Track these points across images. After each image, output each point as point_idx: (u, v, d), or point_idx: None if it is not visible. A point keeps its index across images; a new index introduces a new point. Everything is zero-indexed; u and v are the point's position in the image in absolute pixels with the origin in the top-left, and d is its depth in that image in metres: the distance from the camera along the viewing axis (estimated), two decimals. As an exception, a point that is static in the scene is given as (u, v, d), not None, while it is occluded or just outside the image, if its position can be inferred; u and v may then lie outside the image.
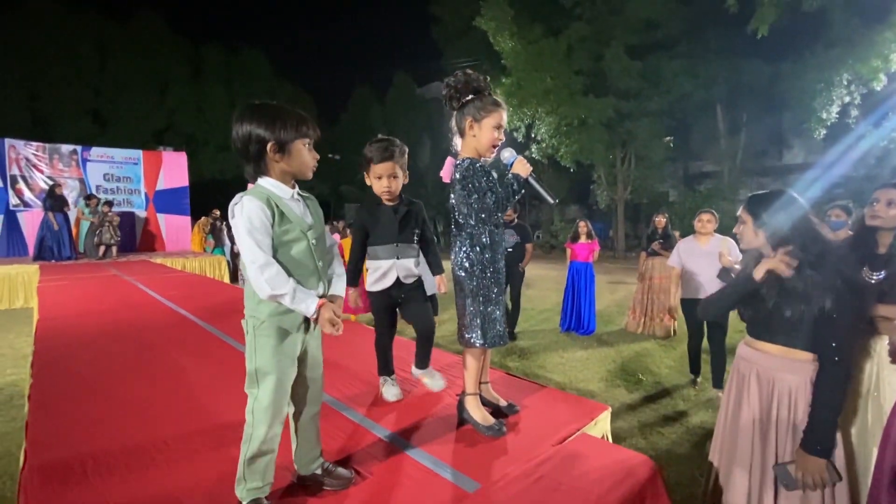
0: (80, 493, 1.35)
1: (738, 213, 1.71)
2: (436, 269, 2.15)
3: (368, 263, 2.03)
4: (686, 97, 15.51)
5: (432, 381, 2.10)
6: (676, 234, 6.18)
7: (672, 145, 17.29)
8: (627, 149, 17.22)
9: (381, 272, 1.99)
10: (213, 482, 1.40)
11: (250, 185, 1.29)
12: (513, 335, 5.58)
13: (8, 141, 10.38)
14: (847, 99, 12.34)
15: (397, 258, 1.99)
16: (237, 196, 1.22)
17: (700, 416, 3.49)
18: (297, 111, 1.28)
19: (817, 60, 12.58)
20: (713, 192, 16.65)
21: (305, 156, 1.27)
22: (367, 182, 2.00)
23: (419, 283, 2.08)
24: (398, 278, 1.99)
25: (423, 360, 2.14)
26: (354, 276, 2.00)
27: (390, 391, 2.04)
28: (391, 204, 2.01)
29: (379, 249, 1.99)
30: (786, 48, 13.11)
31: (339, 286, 1.39)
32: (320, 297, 1.28)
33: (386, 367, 2.12)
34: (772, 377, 1.56)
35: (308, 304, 1.21)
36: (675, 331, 5.84)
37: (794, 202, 1.58)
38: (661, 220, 6.02)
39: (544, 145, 16.41)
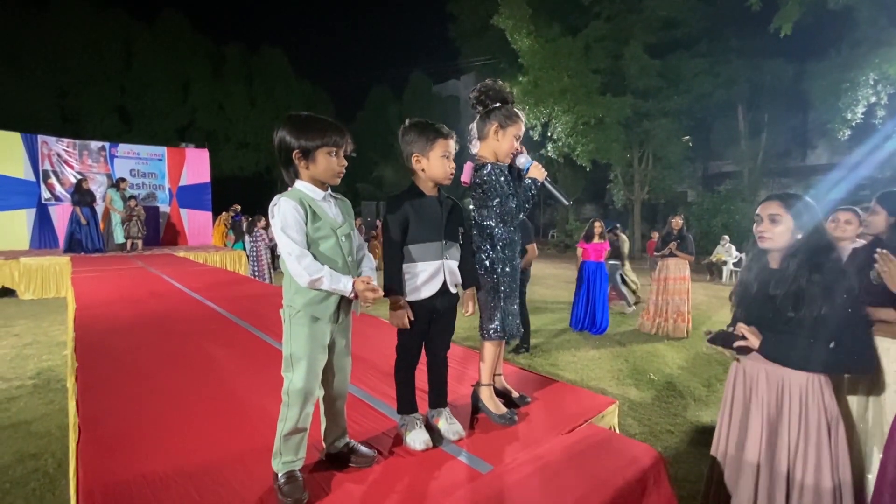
0: (132, 463, 1.49)
1: (770, 212, 1.64)
2: (470, 279, 1.76)
3: (406, 267, 1.62)
4: (706, 97, 15.33)
5: (449, 426, 1.68)
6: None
7: (691, 145, 17.09)
8: (645, 148, 17.09)
9: (426, 276, 1.61)
10: (249, 456, 1.53)
11: (290, 188, 1.41)
12: (527, 347, 5.17)
13: (40, 137, 10.82)
14: (873, 99, 12.09)
15: (445, 258, 1.65)
16: (275, 197, 1.35)
17: (711, 416, 3.54)
18: (327, 120, 1.38)
19: (842, 60, 12.34)
20: (733, 193, 16.44)
21: (329, 163, 1.37)
22: (419, 167, 1.63)
23: (457, 298, 1.74)
24: (444, 284, 1.65)
25: (441, 397, 1.75)
26: (402, 283, 1.60)
27: (419, 437, 1.59)
28: (434, 195, 1.68)
29: (422, 248, 1.62)
30: (810, 47, 12.89)
31: (369, 271, 1.52)
32: None
33: (410, 403, 1.68)
34: (781, 378, 1.60)
35: (344, 282, 1.33)
36: (688, 332, 5.86)
37: (810, 207, 1.61)
38: (677, 222, 6.03)
39: (560, 144, 16.39)
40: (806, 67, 13.42)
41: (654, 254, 6.48)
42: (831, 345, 1.51)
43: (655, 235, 12.57)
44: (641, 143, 16.97)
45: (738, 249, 11.89)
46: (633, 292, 7.80)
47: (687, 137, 16.84)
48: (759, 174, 16.85)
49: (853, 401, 1.91)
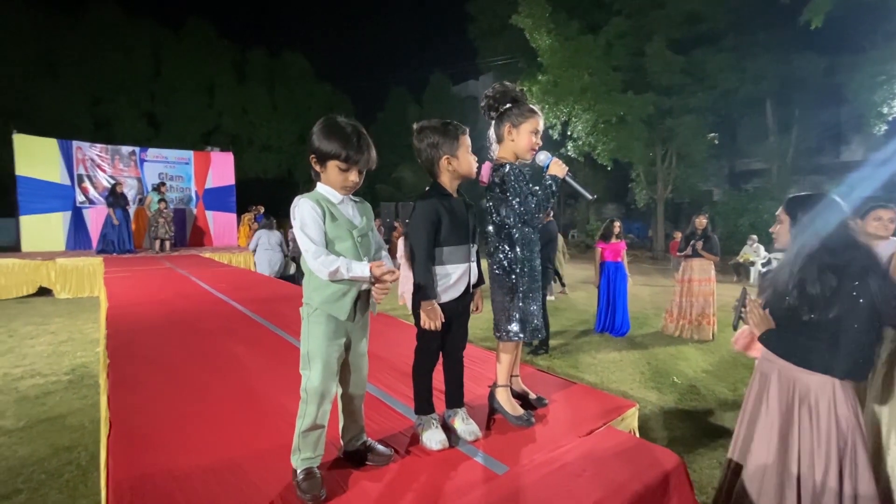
0: (158, 457, 1.55)
1: (777, 212, 1.72)
2: (480, 278, 1.79)
3: (435, 269, 1.63)
4: (732, 92, 14.91)
5: (465, 426, 1.70)
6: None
7: (716, 143, 16.63)
8: (668, 146, 16.73)
9: (454, 279, 1.64)
10: (269, 451, 1.57)
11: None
12: (546, 348, 5.15)
13: (75, 143, 11.28)
14: (911, 92, 11.57)
15: (471, 261, 1.70)
16: (296, 199, 1.39)
17: (735, 420, 3.44)
18: (353, 134, 1.37)
19: (878, 52, 11.84)
20: (761, 192, 15.95)
21: (336, 176, 1.39)
22: (450, 167, 1.64)
23: (472, 297, 1.77)
24: (468, 286, 1.70)
25: (457, 397, 1.77)
26: (435, 285, 1.61)
27: (435, 437, 1.62)
28: (457, 196, 1.70)
29: (453, 251, 1.64)
30: (842, 40, 12.40)
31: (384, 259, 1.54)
32: (365, 291, 1.44)
33: (427, 403, 1.69)
34: (792, 377, 1.56)
35: (361, 268, 1.36)
36: (714, 334, 5.71)
37: (833, 206, 1.57)
38: (701, 221, 5.89)
39: (580, 143, 16.17)
40: (838, 61, 12.91)
41: (677, 254, 6.34)
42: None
43: (679, 235, 12.31)
44: (664, 140, 16.60)
45: (767, 249, 11.54)
46: (562, 285, 8.88)
47: (712, 135, 16.40)
48: (788, 172, 16.27)
49: (881, 410, 1.83)
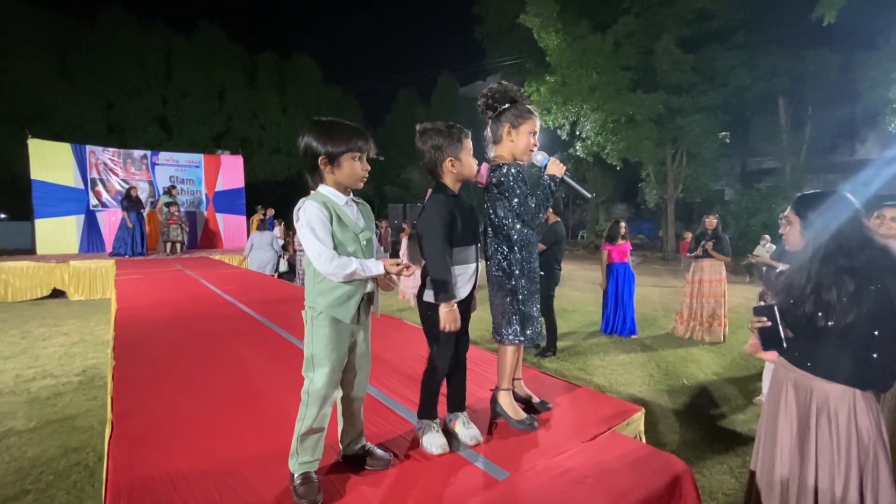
0: (159, 460, 1.55)
1: (785, 213, 1.67)
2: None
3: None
4: (744, 90, 14.68)
5: (466, 430, 1.67)
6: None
7: (728, 141, 16.39)
8: (678, 145, 16.53)
9: (465, 279, 1.64)
10: (268, 455, 1.56)
11: (312, 192, 1.44)
12: (554, 350, 5.04)
13: (88, 147, 11.46)
14: (929, 88, 11.29)
15: (478, 260, 1.69)
16: (300, 201, 1.38)
17: (748, 424, 3.37)
18: (351, 126, 1.40)
19: (892, 48, 11.59)
20: (773, 191, 15.68)
21: (353, 169, 1.40)
22: (454, 169, 1.63)
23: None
24: (475, 285, 1.69)
25: (459, 401, 1.74)
26: (453, 286, 1.57)
27: (435, 441, 1.59)
28: (461, 198, 1.70)
29: (463, 251, 1.63)
30: (856, 36, 12.16)
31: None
32: (369, 293, 1.44)
33: (432, 409, 1.67)
34: (810, 387, 1.51)
35: (377, 266, 1.38)
36: (725, 336, 5.61)
37: (845, 203, 1.51)
38: (711, 221, 5.80)
39: (589, 143, 16.04)
40: (852, 57, 12.66)
41: (688, 255, 6.25)
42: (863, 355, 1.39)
43: (689, 236, 12.16)
44: (675, 139, 16.41)
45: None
46: None
47: (723, 133, 16.16)
48: (802, 170, 15.98)
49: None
